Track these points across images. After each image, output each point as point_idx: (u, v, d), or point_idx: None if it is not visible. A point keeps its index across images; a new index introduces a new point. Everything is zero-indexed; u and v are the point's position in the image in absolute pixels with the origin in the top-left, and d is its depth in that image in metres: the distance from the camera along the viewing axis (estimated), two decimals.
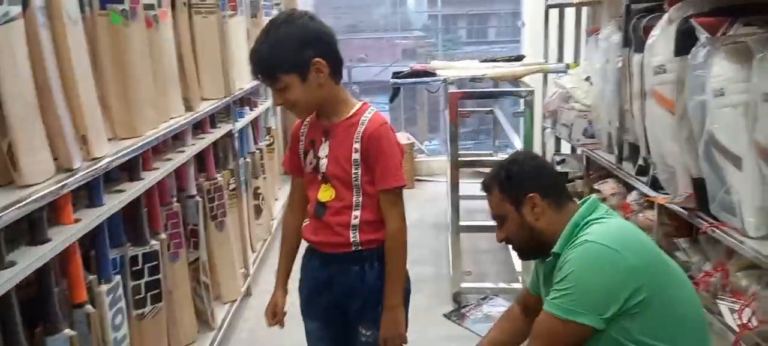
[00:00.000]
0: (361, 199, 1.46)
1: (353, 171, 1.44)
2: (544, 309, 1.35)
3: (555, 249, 1.40)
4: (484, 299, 2.81)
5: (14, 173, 1.24)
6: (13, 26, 1.20)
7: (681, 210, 2.00)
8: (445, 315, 2.71)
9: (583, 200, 1.49)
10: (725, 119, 1.68)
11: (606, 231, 1.34)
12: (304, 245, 1.60)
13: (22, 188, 1.23)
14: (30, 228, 1.27)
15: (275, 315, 1.60)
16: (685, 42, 1.87)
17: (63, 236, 1.31)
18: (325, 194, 1.48)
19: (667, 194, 2.14)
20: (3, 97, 1.18)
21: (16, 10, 1.21)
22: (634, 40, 2.31)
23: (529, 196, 1.44)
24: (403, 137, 4.90)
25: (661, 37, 1.99)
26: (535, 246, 1.48)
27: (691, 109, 1.81)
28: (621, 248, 1.29)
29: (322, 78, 1.39)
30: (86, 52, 1.51)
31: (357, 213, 1.46)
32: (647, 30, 2.16)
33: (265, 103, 3.60)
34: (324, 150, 1.48)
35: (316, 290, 1.55)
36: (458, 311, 2.73)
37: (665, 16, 2.00)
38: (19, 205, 1.16)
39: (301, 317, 1.62)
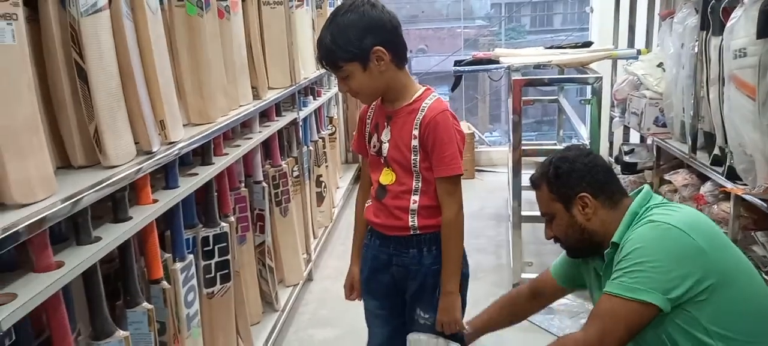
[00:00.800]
0: (420, 184, 1.47)
1: (412, 157, 1.46)
2: (605, 291, 1.29)
3: (614, 239, 1.35)
4: None
5: (100, 155, 1.32)
6: (99, 16, 1.28)
7: (760, 202, 1.90)
8: None
9: (634, 191, 1.42)
10: None
11: (672, 214, 1.29)
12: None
13: (107, 169, 1.32)
14: (113, 207, 1.36)
15: (353, 289, 1.67)
16: None
17: (143, 215, 1.39)
18: (387, 177, 1.51)
19: (744, 184, 2.03)
20: (90, 83, 1.27)
21: (103, 0, 1.29)
22: (711, 23, 2.20)
23: (579, 195, 1.39)
24: (464, 127, 4.86)
25: (742, 18, 1.88)
26: (587, 246, 1.43)
27: None
28: (689, 230, 1.24)
29: (383, 66, 1.41)
30: (164, 42, 1.59)
31: (416, 198, 1.47)
32: (726, 12, 2.05)
33: (328, 92, 3.67)
34: (386, 135, 1.50)
35: (375, 269, 1.59)
36: None
37: None
38: (104, 184, 1.23)
39: (361, 294, 1.66)
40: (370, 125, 1.57)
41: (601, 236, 1.38)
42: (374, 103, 1.57)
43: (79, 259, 1.16)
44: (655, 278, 1.22)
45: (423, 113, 1.44)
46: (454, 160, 1.43)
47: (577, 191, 1.39)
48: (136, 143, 1.42)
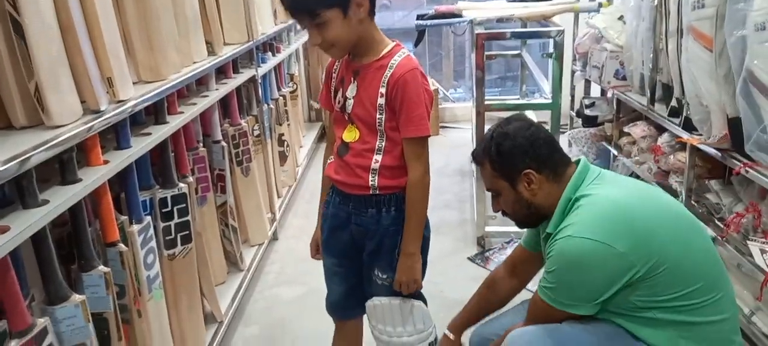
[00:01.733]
0: (384, 143, 1.43)
1: (378, 116, 1.40)
2: (538, 292, 1.33)
3: (548, 229, 1.35)
4: (508, 242, 2.81)
5: (43, 115, 1.25)
6: None
7: (714, 151, 1.95)
8: (469, 258, 2.72)
9: (575, 159, 1.42)
10: (766, 55, 1.60)
11: (591, 218, 1.26)
12: None
13: (51, 129, 1.25)
14: (61, 169, 1.29)
15: (318, 249, 1.66)
16: None
17: (93, 176, 1.34)
18: (350, 134, 1.46)
19: (700, 135, 2.08)
20: (28, 39, 1.19)
21: None
22: None
23: (524, 172, 1.36)
24: None
25: None
26: (534, 218, 1.43)
27: (731, 45, 1.73)
28: (607, 237, 1.22)
29: (362, 13, 1.34)
30: None
31: (378, 157, 1.43)
32: None
33: (288, 48, 3.57)
34: (352, 90, 1.44)
35: (335, 226, 1.57)
36: (482, 254, 2.74)
37: None
38: (49, 145, 1.17)
39: (322, 251, 1.65)
40: (335, 80, 1.51)
41: (547, 208, 1.37)
42: (340, 63, 1.51)
43: (26, 223, 1.10)
44: (578, 294, 1.27)
45: (391, 70, 1.38)
46: (422, 121, 1.38)
47: (521, 168, 1.36)
48: (82, 103, 1.35)
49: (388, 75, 1.38)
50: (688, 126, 2.17)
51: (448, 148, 4.40)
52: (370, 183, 1.45)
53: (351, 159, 1.46)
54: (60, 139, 1.20)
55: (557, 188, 1.36)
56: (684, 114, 2.19)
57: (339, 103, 1.49)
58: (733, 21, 1.71)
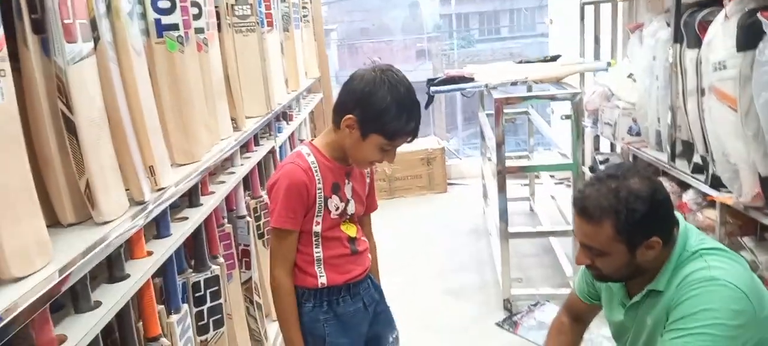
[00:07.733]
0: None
1: (366, 201, 1.64)
2: None
3: (658, 286, 1.29)
4: (535, 305, 2.76)
5: (92, 211, 1.22)
6: (86, 63, 1.19)
7: (749, 209, 1.95)
8: (497, 324, 2.67)
9: None
10: None
11: (729, 269, 1.23)
12: None
13: (101, 225, 1.22)
14: (108, 265, 1.26)
15: None
16: (748, 37, 1.81)
17: (140, 271, 1.30)
18: (352, 229, 1.57)
19: (729, 192, 2.09)
20: (80, 135, 1.17)
21: (89, 47, 1.20)
22: (686, 36, 2.26)
23: (650, 240, 1.25)
24: (433, 141, 4.87)
25: (720, 32, 1.94)
26: (628, 277, 1.35)
27: (760, 106, 1.76)
28: (749, 292, 1.20)
29: (353, 134, 1.43)
30: (149, 84, 1.49)
31: (364, 238, 1.65)
32: (702, 25, 2.11)
33: (300, 115, 3.59)
34: (349, 191, 1.55)
35: (356, 324, 1.62)
36: (510, 319, 2.69)
37: (723, 12, 1.95)
38: (102, 245, 1.14)
39: None
40: (322, 191, 1.50)
41: (650, 269, 1.31)
42: (318, 170, 1.50)
43: (82, 331, 1.06)
44: (724, 341, 1.18)
45: None
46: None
47: (649, 235, 1.25)
48: (126, 190, 1.33)
49: None
50: (715, 183, 2.17)
51: (457, 205, 4.39)
52: (368, 263, 1.64)
53: (361, 247, 1.60)
54: (111, 238, 1.17)
55: (667, 249, 1.29)
56: (710, 171, 2.20)
57: (337, 209, 1.52)
58: (760, 83, 1.74)
